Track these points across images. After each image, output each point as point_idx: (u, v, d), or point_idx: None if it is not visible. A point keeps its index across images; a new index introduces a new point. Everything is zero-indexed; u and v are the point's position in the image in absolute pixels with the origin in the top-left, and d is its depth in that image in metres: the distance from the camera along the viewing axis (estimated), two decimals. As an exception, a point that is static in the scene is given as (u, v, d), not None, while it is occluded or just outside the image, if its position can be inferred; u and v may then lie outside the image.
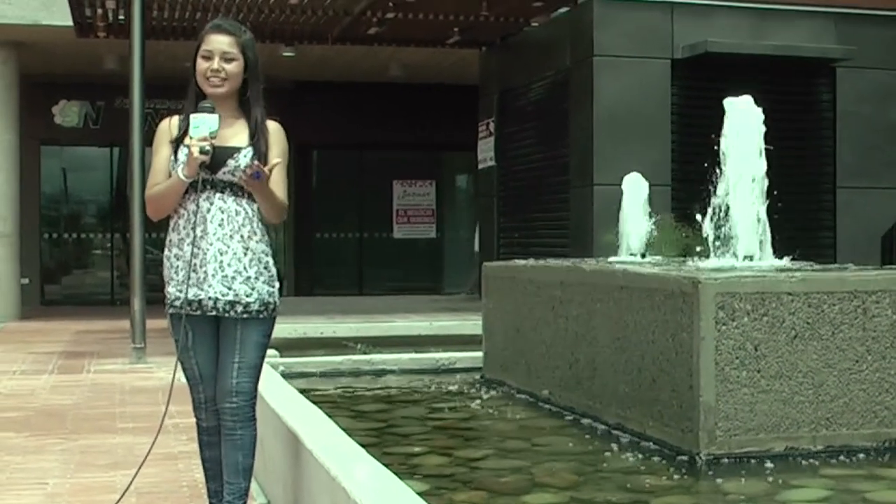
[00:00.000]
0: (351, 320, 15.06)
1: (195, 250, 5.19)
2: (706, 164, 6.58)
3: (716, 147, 6.47)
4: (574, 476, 5.37)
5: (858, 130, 17.50)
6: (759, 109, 6.40)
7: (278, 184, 5.31)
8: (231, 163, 5.19)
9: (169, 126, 5.35)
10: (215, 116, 5.14)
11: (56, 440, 8.78)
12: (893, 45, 17.71)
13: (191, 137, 5.11)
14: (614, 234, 8.67)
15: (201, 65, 5.25)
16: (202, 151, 5.08)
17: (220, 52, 5.23)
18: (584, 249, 15.37)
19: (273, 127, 5.36)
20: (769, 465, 5.36)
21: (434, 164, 28.02)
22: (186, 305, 5.21)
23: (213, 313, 5.21)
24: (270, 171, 5.11)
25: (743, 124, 6.36)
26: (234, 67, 5.25)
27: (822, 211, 17.52)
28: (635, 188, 8.80)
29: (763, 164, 6.33)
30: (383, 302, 21.62)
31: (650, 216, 8.77)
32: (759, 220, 6.32)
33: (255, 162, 5.13)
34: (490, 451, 5.99)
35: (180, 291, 5.24)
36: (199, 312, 5.22)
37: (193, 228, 5.20)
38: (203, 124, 5.10)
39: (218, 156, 5.15)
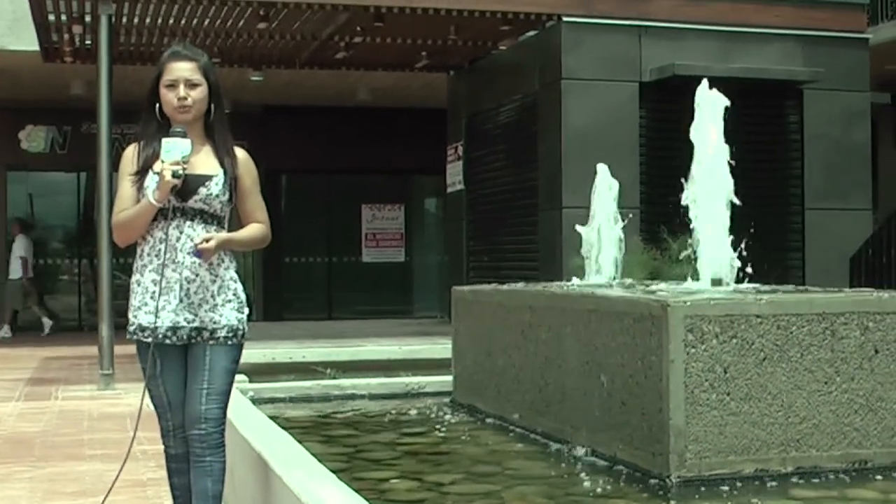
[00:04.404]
0: (320, 345, 15.01)
1: (162, 279, 5.18)
2: (675, 188, 6.59)
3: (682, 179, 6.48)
4: (544, 500, 5.35)
5: (826, 152, 17.61)
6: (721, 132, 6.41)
7: (256, 209, 5.38)
8: (203, 191, 5.19)
9: (133, 153, 5.33)
10: (187, 141, 5.13)
11: (24, 468, 8.73)
12: (860, 66, 17.84)
13: (162, 161, 5.10)
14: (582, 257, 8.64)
15: (167, 95, 5.23)
16: (175, 175, 5.07)
17: (183, 80, 5.22)
18: (554, 273, 15.37)
19: (241, 156, 5.36)
20: (739, 487, 5.36)
21: (403, 188, 28.02)
22: (140, 331, 5.22)
23: (177, 341, 5.19)
24: (210, 243, 5.12)
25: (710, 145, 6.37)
26: (198, 93, 5.24)
27: (791, 232, 17.60)
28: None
29: (730, 185, 6.34)
30: (353, 326, 21.59)
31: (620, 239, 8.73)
32: (726, 243, 6.33)
33: (193, 242, 5.13)
34: (460, 476, 5.97)
35: (135, 317, 5.26)
36: (150, 339, 5.21)
37: (157, 256, 5.20)
38: (175, 148, 5.09)
39: (189, 183, 5.14)
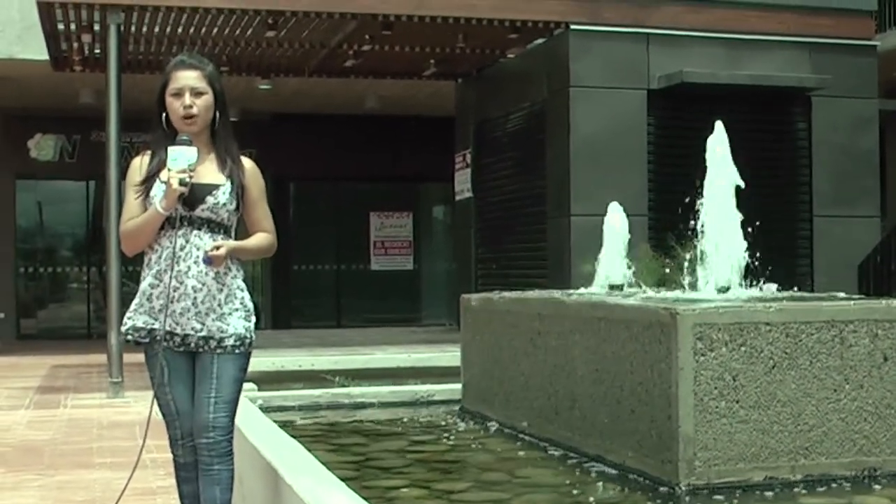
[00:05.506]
0: (329, 353, 15.01)
1: (169, 286, 5.19)
2: (683, 195, 6.59)
3: (695, 181, 6.47)
4: (554, 508, 5.35)
5: (834, 159, 17.59)
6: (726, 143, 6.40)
7: (262, 218, 5.39)
8: (210, 199, 5.19)
9: (140, 163, 5.34)
10: (194, 149, 5.13)
11: (33, 476, 8.74)
12: (867, 73, 17.83)
13: (169, 170, 5.10)
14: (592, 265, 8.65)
15: (173, 104, 5.24)
16: (181, 183, 5.08)
17: (189, 88, 5.23)
18: (562, 280, 15.37)
19: (248, 165, 5.36)
20: (749, 494, 5.35)
21: (411, 196, 28.04)
22: (134, 332, 5.28)
23: (175, 346, 5.21)
24: (220, 250, 5.14)
25: (720, 159, 6.37)
26: (204, 102, 5.25)
27: (799, 239, 17.58)
28: (616, 218, 8.75)
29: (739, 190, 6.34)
30: (361, 334, 21.59)
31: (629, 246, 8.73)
32: (735, 250, 6.32)
33: (204, 250, 5.15)
34: (470, 484, 5.97)
35: (129, 318, 5.32)
36: (146, 339, 5.27)
37: (162, 262, 5.21)
38: (181, 157, 5.09)
39: (196, 192, 5.15)
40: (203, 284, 5.19)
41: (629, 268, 8.22)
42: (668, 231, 13.52)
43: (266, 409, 7.77)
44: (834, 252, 17.46)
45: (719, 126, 6.44)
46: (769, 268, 6.50)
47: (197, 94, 5.24)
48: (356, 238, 27.34)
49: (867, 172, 17.81)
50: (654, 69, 16.84)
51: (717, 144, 6.40)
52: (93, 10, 15.76)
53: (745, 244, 6.30)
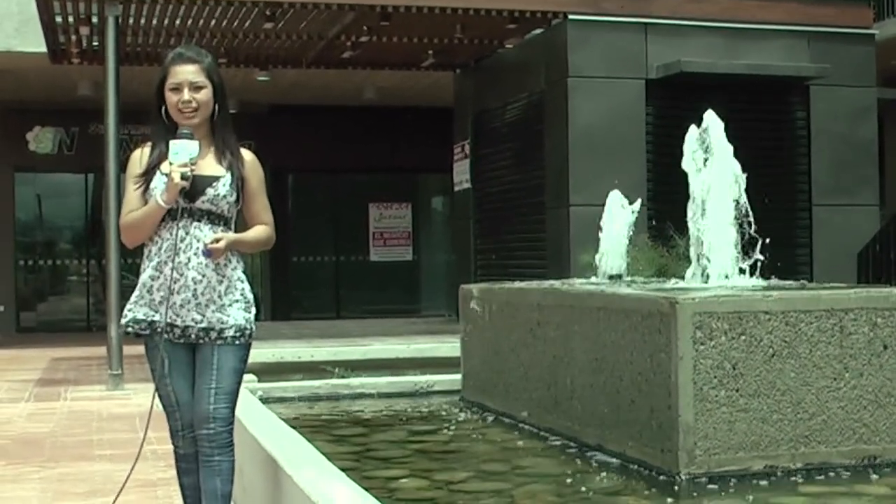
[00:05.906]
0: (328, 344, 15.03)
1: (171, 278, 5.19)
2: (682, 185, 6.58)
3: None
4: (555, 498, 5.35)
5: (833, 148, 17.58)
6: (723, 133, 6.40)
7: (262, 210, 5.38)
8: (210, 191, 5.19)
9: (140, 155, 5.33)
10: (195, 143, 5.13)
11: (34, 468, 8.74)
12: (866, 62, 17.81)
13: (171, 164, 5.10)
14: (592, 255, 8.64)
15: (171, 98, 5.23)
16: (183, 177, 5.07)
17: (187, 83, 5.21)
18: (562, 270, 15.38)
19: (248, 157, 5.36)
20: (749, 483, 5.36)
21: (410, 187, 28.02)
22: (135, 324, 5.27)
23: (174, 338, 5.21)
24: (220, 243, 5.14)
25: (716, 147, 6.37)
26: (203, 95, 5.23)
27: (798, 229, 17.57)
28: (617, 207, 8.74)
29: (739, 183, 6.34)
30: (361, 325, 21.61)
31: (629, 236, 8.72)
32: (734, 239, 6.33)
33: (203, 243, 5.15)
34: (470, 474, 5.98)
35: (129, 310, 5.31)
36: (147, 331, 5.27)
37: (162, 253, 5.20)
38: (183, 150, 5.09)
39: (197, 184, 5.15)
40: (203, 276, 5.19)
41: (628, 252, 8.23)
42: (667, 221, 13.56)
43: (266, 400, 7.78)
44: (833, 241, 17.46)
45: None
46: (768, 257, 6.50)
47: (196, 88, 5.23)
48: (355, 229, 27.33)
49: (866, 161, 17.81)
50: (652, 59, 16.83)
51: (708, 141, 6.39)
52: (91, 2, 15.77)
53: (735, 236, 6.31)
